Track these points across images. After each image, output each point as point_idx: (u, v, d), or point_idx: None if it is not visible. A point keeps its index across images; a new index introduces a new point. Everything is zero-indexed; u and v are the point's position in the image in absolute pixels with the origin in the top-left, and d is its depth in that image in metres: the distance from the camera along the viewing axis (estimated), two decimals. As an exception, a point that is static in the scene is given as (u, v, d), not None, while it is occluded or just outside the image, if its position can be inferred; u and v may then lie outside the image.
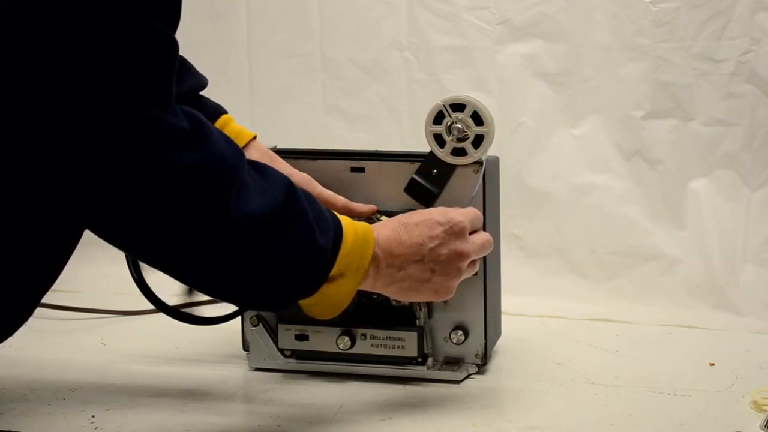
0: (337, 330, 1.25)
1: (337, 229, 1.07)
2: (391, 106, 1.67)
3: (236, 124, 1.27)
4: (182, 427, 1.12)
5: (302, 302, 1.09)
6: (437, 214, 1.16)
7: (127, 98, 0.92)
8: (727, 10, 1.52)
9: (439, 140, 1.24)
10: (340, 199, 1.25)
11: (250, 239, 1.00)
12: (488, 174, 1.25)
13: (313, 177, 1.26)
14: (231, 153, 1.00)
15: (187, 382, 1.25)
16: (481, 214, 1.22)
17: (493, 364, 1.31)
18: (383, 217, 1.25)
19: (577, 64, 1.59)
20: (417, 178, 1.26)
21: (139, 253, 1.02)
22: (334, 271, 1.06)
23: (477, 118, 1.23)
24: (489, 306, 1.27)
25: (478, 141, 1.24)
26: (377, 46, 1.68)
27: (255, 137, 1.27)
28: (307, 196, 1.06)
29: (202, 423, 1.13)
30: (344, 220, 1.09)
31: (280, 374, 1.28)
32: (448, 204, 1.23)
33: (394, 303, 1.24)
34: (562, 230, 1.61)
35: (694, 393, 1.21)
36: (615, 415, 1.15)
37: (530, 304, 1.55)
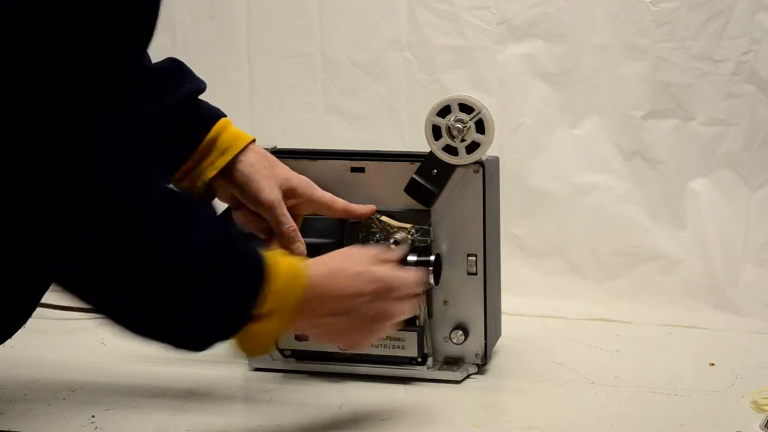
0: None
1: (259, 267, 1.02)
2: (391, 106, 1.67)
3: (234, 127, 1.26)
4: (182, 427, 1.12)
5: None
6: (376, 268, 1.12)
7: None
8: (727, 10, 1.51)
9: (436, 132, 1.24)
10: (339, 202, 1.25)
11: (179, 284, 0.98)
12: (488, 174, 1.25)
13: (312, 177, 1.26)
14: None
15: (187, 382, 1.25)
16: (427, 280, 1.21)
17: (493, 364, 1.31)
18: (384, 218, 1.25)
19: (577, 64, 1.59)
20: (417, 178, 1.26)
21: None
22: (263, 310, 1.02)
23: (480, 126, 1.23)
24: (489, 306, 1.27)
25: (473, 147, 1.23)
26: (377, 46, 1.68)
27: (254, 140, 1.26)
28: (232, 234, 1.05)
29: (202, 423, 1.13)
30: (275, 256, 1.05)
31: (280, 374, 1.28)
32: (449, 204, 1.23)
33: None
34: (562, 230, 1.61)
35: (694, 393, 1.21)
36: (615, 415, 1.15)
37: (530, 304, 1.55)
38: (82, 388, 1.25)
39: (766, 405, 1.15)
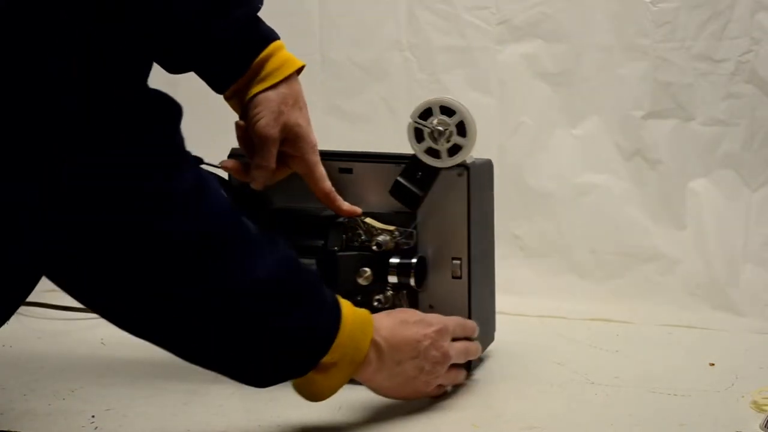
0: None
1: (336, 316, 1.05)
2: (391, 106, 1.67)
3: (285, 52, 1.22)
4: (182, 427, 1.12)
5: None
6: (430, 316, 1.17)
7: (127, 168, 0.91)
8: (727, 10, 1.52)
9: (419, 135, 1.24)
10: (327, 184, 1.23)
11: (251, 310, 0.99)
12: (473, 177, 1.24)
13: None
14: (229, 214, 0.98)
15: (187, 382, 1.25)
16: (473, 324, 1.22)
17: (494, 364, 1.31)
18: (368, 220, 1.25)
19: (577, 64, 1.59)
20: (401, 180, 1.25)
21: (126, 322, 0.99)
22: (326, 359, 1.04)
23: (461, 128, 1.23)
24: (474, 310, 1.25)
25: (455, 150, 1.23)
26: (377, 46, 1.68)
27: (300, 69, 1.22)
28: (311, 273, 1.05)
29: (202, 423, 1.13)
30: (345, 305, 1.07)
31: (280, 374, 1.28)
32: (434, 207, 1.23)
33: (376, 305, 1.24)
34: (562, 230, 1.61)
35: (694, 393, 1.21)
36: (615, 415, 1.15)
37: (530, 304, 1.55)
38: (82, 388, 1.25)
39: (766, 405, 1.15)
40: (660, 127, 1.56)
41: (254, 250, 0.98)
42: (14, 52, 0.87)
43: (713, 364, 1.31)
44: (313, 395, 1.07)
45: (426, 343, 1.13)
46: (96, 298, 0.97)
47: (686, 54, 1.54)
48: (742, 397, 1.19)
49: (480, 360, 1.29)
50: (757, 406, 1.15)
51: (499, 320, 1.36)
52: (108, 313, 0.98)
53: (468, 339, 1.21)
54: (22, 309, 1.39)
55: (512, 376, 1.29)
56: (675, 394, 1.21)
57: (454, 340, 1.18)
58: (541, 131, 1.62)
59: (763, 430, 1.10)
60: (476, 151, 1.64)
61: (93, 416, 1.16)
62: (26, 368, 1.30)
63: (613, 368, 1.30)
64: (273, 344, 1.01)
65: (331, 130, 1.70)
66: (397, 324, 1.12)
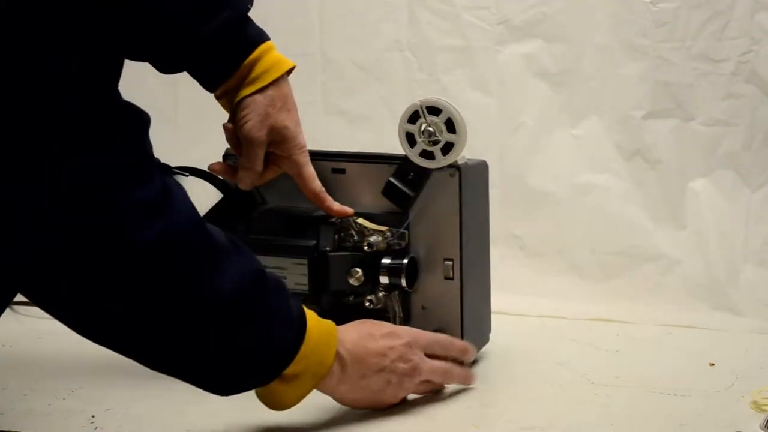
0: None
1: (300, 328, 1.05)
2: (391, 107, 1.67)
3: (276, 53, 1.23)
4: (182, 427, 1.12)
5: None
6: (400, 328, 1.16)
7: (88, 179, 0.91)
8: (727, 10, 1.52)
9: (411, 140, 1.24)
10: (316, 183, 1.23)
11: (215, 321, 0.98)
12: (465, 178, 1.24)
13: None
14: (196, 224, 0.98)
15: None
16: (462, 344, 1.21)
17: (493, 364, 1.31)
18: (360, 220, 1.25)
19: (577, 64, 1.59)
20: (393, 180, 1.25)
21: (86, 328, 0.99)
22: (289, 371, 1.04)
23: (450, 126, 1.22)
24: (466, 312, 1.25)
25: (447, 148, 1.23)
26: (377, 46, 1.68)
27: (290, 70, 1.23)
28: (277, 284, 1.05)
29: (202, 423, 1.13)
30: (310, 317, 1.07)
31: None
32: (426, 208, 1.23)
33: (367, 306, 1.24)
34: (562, 230, 1.61)
35: (694, 393, 1.21)
36: (615, 415, 1.15)
37: (530, 304, 1.55)
38: (82, 388, 1.25)
39: (766, 405, 1.15)
40: (660, 127, 1.56)
41: (218, 263, 0.98)
42: (14, 52, 0.87)
43: (713, 364, 1.31)
44: (275, 405, 1.08)
45: (393, 356, 1.13)
46: (58, 303, 0.97)
47: (686, 54, 1.53)
48: (742, 397, 1.19)
49: (476, 361, 1.28)
50: (757, 406, 1.15)
51: (499, 320, 1.36)
52: (69, 319, 0.98)
53: (456, 360, 1.20)
54: (23, 309, 1.40)
55: (512, 376, 1.29)
56: (675, 394, 1.21)
57: (436, 357, 1.17)
58: (541, 131, 1.62)
59: (763, 430, 1.10)
60: (476, 152, 1.64)
61: (93, 416, 1.16)
62: (26, 368, 1.30)
63: (613, 368, 1.30)
64: (235, 355, 1.01)
65: (331, 130, 1.70)
66: (363, 337, 1.12)
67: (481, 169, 1.29)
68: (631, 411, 1.17)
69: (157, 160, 0.97)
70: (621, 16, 1.56)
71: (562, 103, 1.60)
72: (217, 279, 0.98)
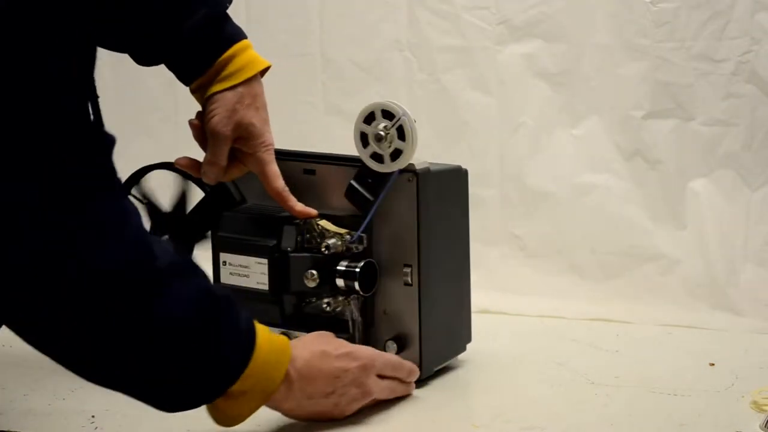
0: (277, 331, 1.20)
1: (248, 346, 1.04)
2: (391, 107, 1.67)
3: (252, 51, 1.23)
4: (182, 427, 1.12)
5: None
6: (358, 350, 1.15)
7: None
8: (727, 10, 1.52)
9: (364, 140, 1.23)
10: (279, 182, 1.23)
11: (160, 343, 0.98)
12: (431, 185, 1.23)
13: None
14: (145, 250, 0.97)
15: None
16: (410, 366, 1.20)
17: (493, 364, 1.31)
18: (322, 222, 1.24)
19: (577, 64, 1.59)
20: (354, 184, 1.24)
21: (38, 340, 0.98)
22: (236, 388, 1.03)
23: (401, 132, 1.22)
24: (426, 319, 1.23)
25: (396, 154, 1.22)
26: (377, 46, 1.68)
27: (265, 70, 1.23)
28: (227, 303, 1.03)
29: (202, 423, 1.13)
30: (261, 335, 1.05)
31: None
32: (387, 212, 1.22)
33: (325, 308, 1.23)
34: (562, 230, 1.61)
35: (694, 393, 1.21)
36: (615, 415, 1.15)
37: (530, 304, 1.55)
38: (82, 388, 1.24)
39: (766, 405, 1.15)
40: (660, 127, 1.56)
41: (163, 289, 0.97)
42: (14, 52, 0.87)
43: (713, 364, 1.31)
44: (223, 421, 1.07)
45: (346, 380, 1.12)
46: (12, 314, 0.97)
47: (686, 54, 1.53)
48: (742, 397, 1.19)
49: (450, 368, 1.28)
50: (757, 406, 1.15)
51: (500, 320, 1.36)
52: (23, 331, 0.98)
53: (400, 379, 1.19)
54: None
55: (512, 376, 1.29)
56: (675, 394, 1.21)
57: (382, 377, 1.17)
58: (541, 131, 1.62)
59: (763, 430, 1.10)
60: (476, 152, 1.65)
61: (93, 416, 1.16)
62: (26, 368, 1.30)
63: (613, 368, 1.30)
64: (179, 375, 1.01)
65: (331, 129, 1.70)
66: (316, 356, 1.11)
67: (450, 175, 1.27)
68: (631, 411, 1.17)
69: (119, 182, 0.97)
70: (621, 16, 1.56)
71: (562, 103, 1.60)
72: (162, 304, 0.97)
